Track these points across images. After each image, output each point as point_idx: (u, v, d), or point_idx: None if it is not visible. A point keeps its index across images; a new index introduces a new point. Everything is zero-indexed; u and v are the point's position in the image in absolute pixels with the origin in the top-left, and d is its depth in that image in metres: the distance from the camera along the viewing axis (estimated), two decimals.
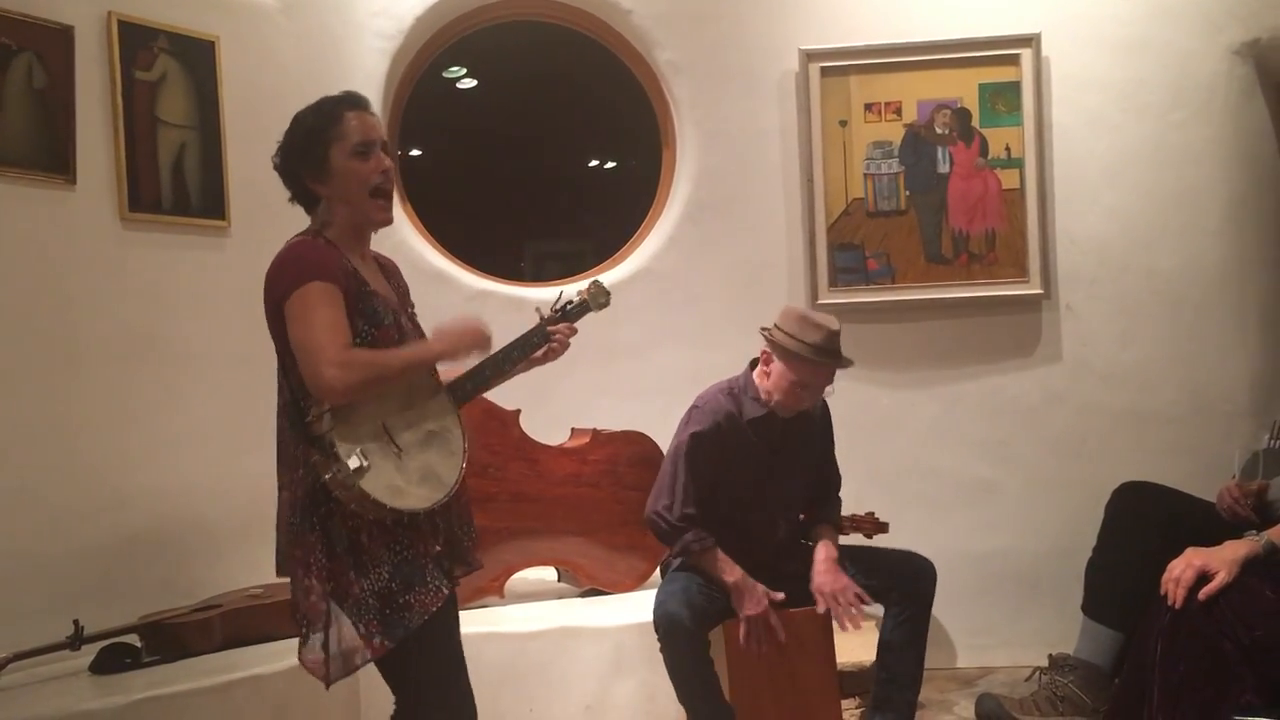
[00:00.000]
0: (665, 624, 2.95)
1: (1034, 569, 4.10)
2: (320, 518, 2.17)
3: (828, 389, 3.20)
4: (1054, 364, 4.18)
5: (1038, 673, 3.41)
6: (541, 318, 2.61)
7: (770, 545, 3.23)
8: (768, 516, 3.25)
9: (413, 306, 2.49)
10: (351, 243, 2.32)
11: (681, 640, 2.94)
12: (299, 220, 3.84)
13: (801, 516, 3.38)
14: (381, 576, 2.18)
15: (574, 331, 2.64)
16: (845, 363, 3.16)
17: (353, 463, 2.10)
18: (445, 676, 2.34)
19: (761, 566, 3.12)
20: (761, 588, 3.06)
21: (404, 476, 2.19)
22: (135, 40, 3.39)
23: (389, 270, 2.49)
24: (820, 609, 3.07)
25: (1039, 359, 4.18)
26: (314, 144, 2.27)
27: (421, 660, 2.27)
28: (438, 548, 2.30)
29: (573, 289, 2.80)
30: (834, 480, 3.43)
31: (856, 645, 3.58)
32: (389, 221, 2.35)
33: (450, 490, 2.26)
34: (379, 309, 2.26)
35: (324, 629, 2.15)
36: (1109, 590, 3.25)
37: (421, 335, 2.41)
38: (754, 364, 3.27)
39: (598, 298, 2.78)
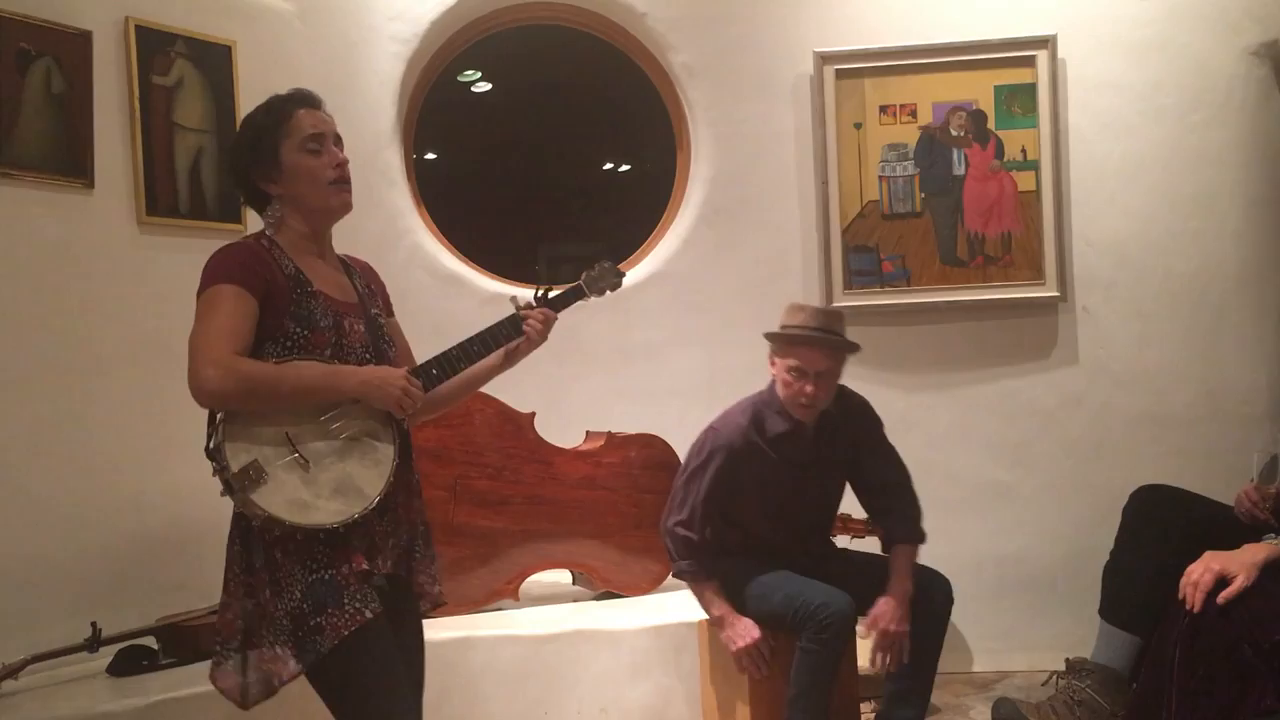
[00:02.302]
0: (839, 621, 2.89)
1: (1051, 572, 4.09)
2: (241, 532, 2.13)
3: (827, 373, 3.00)
4: (1070, 367, 4.16)
5: (1055, 677, 3.39)
6: (517, 307, 2.49)
7: (798, 555, 3.16)
8: (796, 531, 3.19)
9: (379, 309, 2.41)
10: (304, 243, 2.25)
11: (845, 638, 2.93)
12: None
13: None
14: (294, 596, 2.08)
15: (550, 320, 2.49)
16: (840, 341, 3.03)
17: (243, 474, 2.00)
18: (380, 703, 2.14)
19: (789, 566, 3.09)
20: (747, 621, 3.03)
21: (311, 489, 2.07)
22: (153, 45, 3.40)
23: (359, 271, 2.42)
24: (864, 635, 3.01)
25: (1055, 362, 4.16)
26: (263, 142, 2.22)
27: (349, 685, 2.13)
28: (364, 565, 2.13)
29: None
30: (895, 480, 3.22)
31: None
32: (350, 206, 2.29)
33: (371, 503, 2.12)
34: (316, 312, 2.17)
35: (240, 649, 2.10)
36: (1127, 594, 3.23)
37: (384, 340, 2.34)
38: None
39: (599, 281, 2.62)
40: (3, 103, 3.06)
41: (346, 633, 2.07)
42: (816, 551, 3.24)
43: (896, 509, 3.21)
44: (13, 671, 2.76)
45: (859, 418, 3.20)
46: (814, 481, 3.16)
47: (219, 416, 2.05)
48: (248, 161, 2.23)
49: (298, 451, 2.08)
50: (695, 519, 3.08)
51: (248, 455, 2.03)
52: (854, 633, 3.05)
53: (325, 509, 2.07)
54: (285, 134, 2.21)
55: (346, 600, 2.09)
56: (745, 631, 3.02)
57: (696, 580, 3.11)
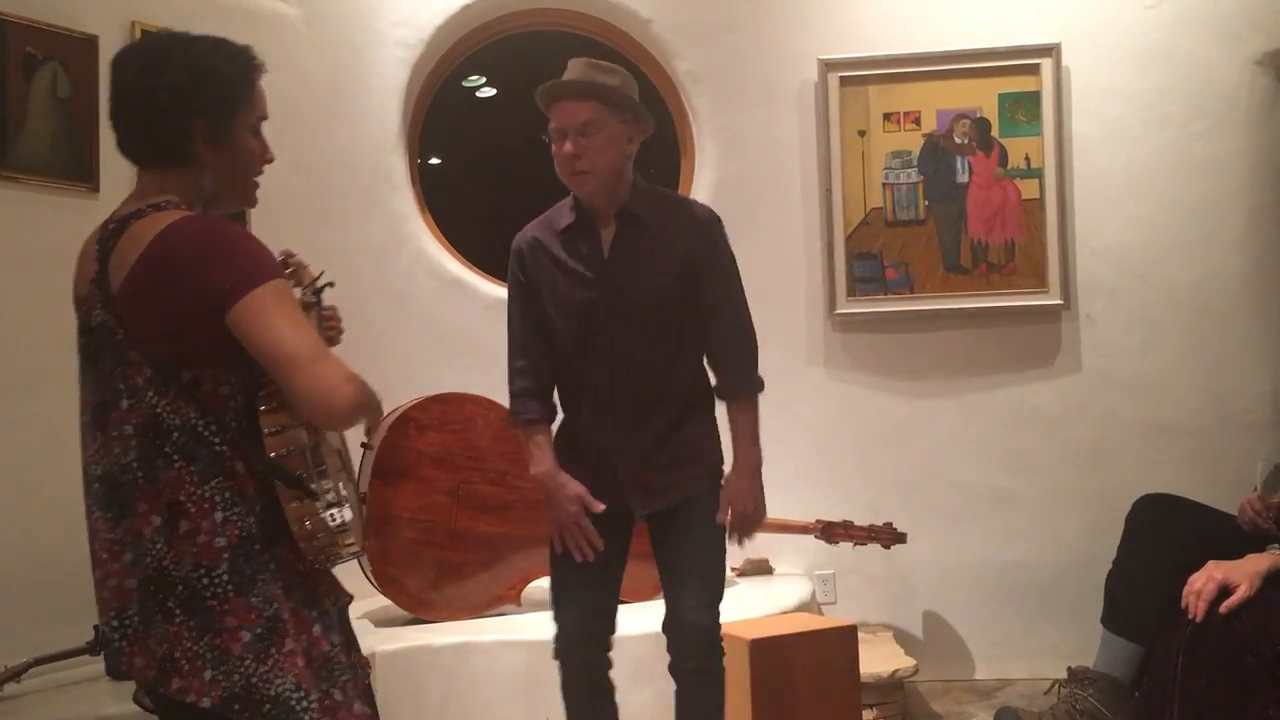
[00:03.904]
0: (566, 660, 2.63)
1: (1053, 580, 4.08)
2: (279, 562, 1.75)
3: (591, 127, 2.43)
4: (1074, 374, 4.16)
5: (1057, 685, 3.39)
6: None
7: (619, 403, 2.52)
8: (608, 360, 2.52)
9: None
10: None
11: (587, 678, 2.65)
12: (323, 231, 3.91)
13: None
14: (338, 628, 1.85)
15: (334, 311, 2.19)
16: (572, 81, 2.47)
17: (336, 507, 1.75)
18: None
19: (611, 433, 2.53)
20: (574, 488, 2.51)
21: (355, 510, 1.83)
22: None
23: None
24: (723, 520, 2.55)
25: (1059, 369, 4.16)
26: (226, 100, 1.79)
27: None
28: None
29: None
30: (730, 331, 2.58)
31: (876, 658, 3.58)
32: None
33: (359, 519, 1.88)
34: None
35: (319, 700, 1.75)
36: (1129, 603, 3.22)
37: None
38: None
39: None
40: (9, 107, 3.08)
41: (370, 670, 1.92)
42: (638, 393, 2.52)
43: (724, 355, 2.60)
44: (15, 674, 2.78)
45: (693, 230, 2.54)
46: (613, 303, 2.49)
47: (306, 442, 1.75)
48: (197, 108, 1.76)
49: (331, 467, 1.82)
50: (515, 343, 2.61)
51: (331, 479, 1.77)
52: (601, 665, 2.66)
53: (358, 530, 1.83)
54: (245, 102, 1.82)
55: (354, 632, 1.91)
56: (562, 501, 2.51)
57: (523, 423, 2.57)
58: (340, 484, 1.80)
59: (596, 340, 2.52)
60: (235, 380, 1.74)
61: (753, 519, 2.58)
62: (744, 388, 2.59)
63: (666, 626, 2.56)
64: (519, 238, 2.62)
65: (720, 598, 2.56)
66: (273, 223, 3.72)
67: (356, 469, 3.56)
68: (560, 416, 2.65)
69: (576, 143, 2.43)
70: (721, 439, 2.66)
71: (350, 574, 3.55)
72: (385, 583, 3.51)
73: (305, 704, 1.69)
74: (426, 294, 4.18)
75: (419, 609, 3.54)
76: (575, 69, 2.50)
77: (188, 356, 1.71)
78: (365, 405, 1.71)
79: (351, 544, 1.77)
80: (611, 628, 2.64)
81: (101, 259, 1.73)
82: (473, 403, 3.59)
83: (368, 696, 1.88)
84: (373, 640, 3.38)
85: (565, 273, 2.53)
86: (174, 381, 1.70)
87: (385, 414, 3.64)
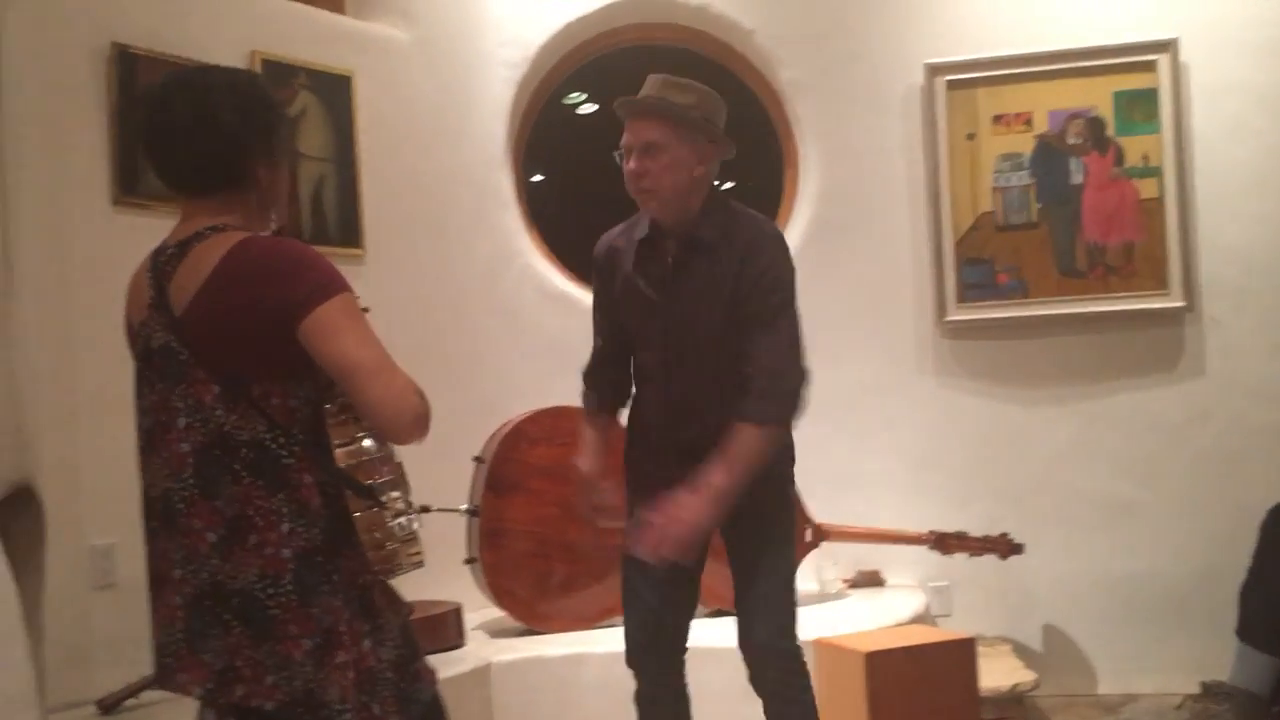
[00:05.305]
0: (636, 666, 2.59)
1: (1180, 592, 3.94)
2: (340, 574, 1.77)
3: (656, 147, 2.38)
4: (1198, 379, 4.02)
5: (1189, 700, 3.28)
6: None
7: (678, 422, 2.48)
8: (667, 380, 2.48)
9: None
10: None
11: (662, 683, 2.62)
12: (433, 248, 3.99)
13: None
14: (396, 642, 1.84)
15: None
16: (641, 99, 2.42)
17: (403, 516, 1.79)
18: None
19: (664, 435, 2.51)
20: (596, 503, 2.57)
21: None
22: (277, 78, 3.53)
23: None
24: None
25: (1182, 374, 4.03)
26: (271, 122, 1.85)
27: None
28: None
29: None
30: (760, 352, 2.36)
31: (995, 671, 3.50)
32: None
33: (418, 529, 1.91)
34: None
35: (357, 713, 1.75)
36: (1266, 614, 3.11)
37: None
38: None
39: None
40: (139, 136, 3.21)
41: (439, 677, 1.93)
42: (687, 396, 2.47)
43: (758, 379, 2.37)
44: (136, 690, 2.85)
45: (745, 247, 2.42)
46: (674, 317, 2.45)
47: (380, 451, 1.80)
48: (255, 132, 1.82)
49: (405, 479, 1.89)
50: (595, 336, 2.66)
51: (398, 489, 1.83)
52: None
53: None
54: (281, 120, 1.90)
55: (418, 642, 1.92)
56: (584, 506, 2.60)
57: (586, 410, 2.66)
58: (406, 494, 1.83)
59: (659, 352, 2.50)
60: (303, 393, 1.78)
61: (668, 535, 2.28)
62: (754, 414, 2.33)
63: (740, 645, 2.51)
64: (601, 241, 2.63)
65: (789, 615, 2.49)
66: (386, 239, 3.86)
67: (469, 483, 3.63)
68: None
69: (640, 161, 2.39)
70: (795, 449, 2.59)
71: (464, 585, 3.63)
72: (499, 594, 3.56)
73: (345, 717, 1.71)
74: (533, 308, 4.23)
75: (532, 620, 3.58)
76: (651, 86, 2.44)
77: (259, 371, 1.73)
78: (429, 417, 1.73)
79: (416, 554, 1.80)
80: (682, 638, 2.58)
81: (158, 284, 1.77)
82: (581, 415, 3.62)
83: (432, 707, 1.89)
84: (488, 651, 3.43)
85: (632, 287, 2.51)
86: (243, 397, 1.72)
87: (496, 428, 3.70)
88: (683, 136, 2.40)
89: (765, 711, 2.53)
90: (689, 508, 2.26)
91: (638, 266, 2.50)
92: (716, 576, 3.71)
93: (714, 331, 2.42)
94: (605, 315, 2.62)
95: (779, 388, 2.36)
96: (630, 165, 2.40)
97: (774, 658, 2.46)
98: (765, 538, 2.49)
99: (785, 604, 2.49)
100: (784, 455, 2.54)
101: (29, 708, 1.85)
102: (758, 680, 2.50)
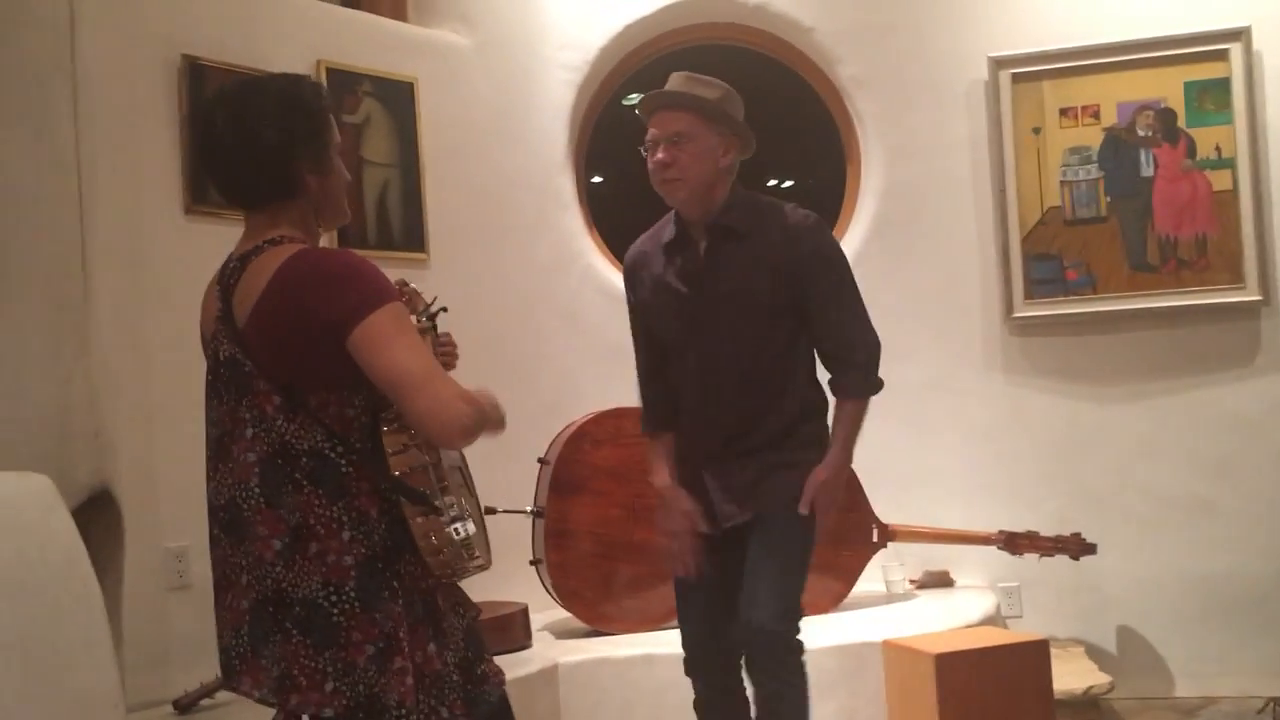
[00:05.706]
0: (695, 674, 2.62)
1: (1261, 592, 3.84)
2: (400, 580, 1.78)
3: (681, 138, 2.44)
4: (1276, 373, 3.92)
5: (1271, 704, 3.20)
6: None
7: (713, 419, 2.54)
8: (702, 377, 2.53)
9: None
10: None
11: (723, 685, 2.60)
12: (496, 251, 4.02)
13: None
14: (458, 644, 1.85)
15: (449, 337, 2.15)
16: (668, 91, 2.49)
17: (459, 521, 1.78)
18: None
19: (707, 446, 2.55)
20: (684, 504, 2.52)
21: (479, 525, 1.88)
22: (342, 86, 3.58)
23: None
24: (804, 509, 2.48)
25: (1259, 369, 3.93)
26: (318, 129, 1.86)
27: None
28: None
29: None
30: (838, 329, 2.52)
31: (1068, 673, 3.44)
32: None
33: (480, 532, 1.90)
34: None
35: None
36: None
37: None
38: None
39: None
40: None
41: (506, 678, 1.93)
42: (733, 406, 2.52)
43: (834, 353, 2.55)
44: (210, 691, 2.90)
45: (787, 236, 2.48)
46: (705, 315, 2.50)
47: (428, 460, 1.80)
48: (300, 142, 1.83)
49: (467, 484, 1.94)
50: (637, 355, 2.68)
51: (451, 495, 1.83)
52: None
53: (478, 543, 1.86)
54: (329, 126, 1.89)
55: (485, 644, 1.93)
56: (670, 519, 2.54)
57: (644, 432, 2.66)
58: (462, 499, 1.84)
59: (691, 352, 2.53)
60: (360, 401, 1.80)
61: (823, 508, 2.50)
62: (849, 389, 2.54)
63: (739, 626, 2.49)
64: (628, 253, 2.68)
65: (791, 601, 2.46)
66: (449, 243, 3.89)
67: (535, 484, 3.65)
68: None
69: (668, 151, 2.45)
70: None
71: (531, 586, 3.64)
72: (565, 595, 3.58)
73: None
74: (595, 310, 4.24)
75: (598, 621, 3.59)
76: (675, 81, 2.51)
77: (315, 381, 1.76)
78: (482, 423, 1.74)
79: (478, 558, 1.81)
80: (734, 644, 2.55)
81: (224, 297, 1.81)
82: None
83: (500, 708, 1.90)
84: (555, 652, 3.44)
85: (664, 286, 2.55)
86: (302, 407, 1.75)
87: (560, 430, 3.72)
88: (709, 128, 2.47)
89: (754, 699, 2.49)
90: (825, 486, 2.47)
91: (669, 265, 2.55)
92: None
93: (752, 319, 2.49)
94: (638, 321, 2.66)
95: (864, 361, 2.53)
96: (658, 156, 2.46)
97: (766, 640, 2.44)
98: (778, 525, 2.50)
99: (787, 589, 2.48)
100: (811, 443, 2.55)
101: (116, 706, 1.90)
102: (749, 664, 2.49)
